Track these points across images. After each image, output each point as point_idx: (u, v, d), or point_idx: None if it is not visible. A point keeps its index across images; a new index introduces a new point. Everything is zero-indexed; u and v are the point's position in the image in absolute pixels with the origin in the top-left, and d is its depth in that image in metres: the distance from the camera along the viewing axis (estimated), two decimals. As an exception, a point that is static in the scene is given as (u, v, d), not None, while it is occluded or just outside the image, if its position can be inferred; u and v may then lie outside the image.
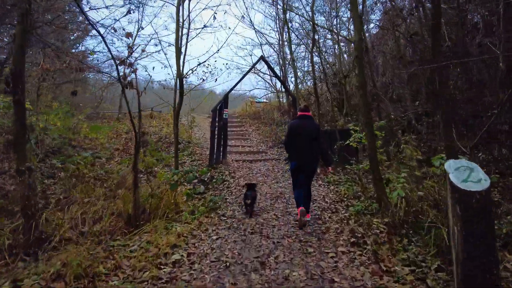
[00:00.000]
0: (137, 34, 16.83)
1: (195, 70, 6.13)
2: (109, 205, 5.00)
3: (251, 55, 17.00)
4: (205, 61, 5.92)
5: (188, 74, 6.34)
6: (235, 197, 5.75)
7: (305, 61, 14.19)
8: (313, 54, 8.17)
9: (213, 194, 6.36)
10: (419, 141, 7.21)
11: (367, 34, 12.73)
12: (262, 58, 7.87)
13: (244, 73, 15.60)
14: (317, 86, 10.31)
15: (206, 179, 7.23)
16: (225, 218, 4.35)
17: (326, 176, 6.98)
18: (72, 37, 10.84)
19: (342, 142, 7.41)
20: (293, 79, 14.55)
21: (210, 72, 7.55)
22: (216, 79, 7.46)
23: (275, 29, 15.58)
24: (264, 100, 18.23)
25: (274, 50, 15.08)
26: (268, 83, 16.50)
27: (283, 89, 14.73)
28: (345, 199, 5.20)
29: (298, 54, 13.56)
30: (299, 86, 11.12)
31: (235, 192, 6.14)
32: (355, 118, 10.51)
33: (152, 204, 4.44)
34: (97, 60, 11.96)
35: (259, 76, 16.04)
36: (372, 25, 11.89)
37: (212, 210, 4.69)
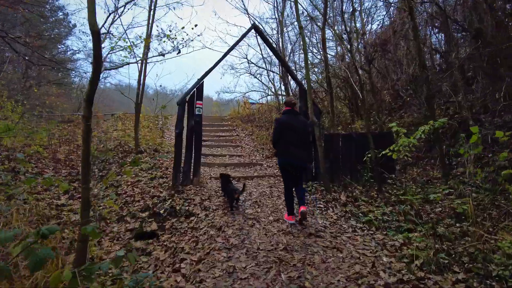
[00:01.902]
0: (112, 23, 14.43)
1: (116, 15, 3.45)
2: None
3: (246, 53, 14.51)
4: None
5: (107, 24, 3.67)
6: (201, 256, 3.04)
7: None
8: (326, 23, 5.50)
9: (168, 240, 3.65)
10: None
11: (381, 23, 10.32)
12: (254, 26, 5.27)
13: (239, 74, 13.20)
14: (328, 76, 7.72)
15: (162, 211, 4.53)
16: None
17: (357, 207, 4.29)
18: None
19: (379, 151, 4.77)
20: (298, 73, 11.97)
21: (176, 44, 4.90)
22: (179, 51, 4.77)
23: (273, 17, 13.13)
24: (260, 102, 15.71)
25: (273, 41, 12.77)
26: (265, 84, 13.99)
27: (283, 88, 12.28)
28: (421, 273, 2.51)
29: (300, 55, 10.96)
30: (302, 79, 8.46)
31: (203, 241, 3.43)
32: (381, 119, 7.89)
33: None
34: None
35: (256, 78, 13.55)
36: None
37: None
